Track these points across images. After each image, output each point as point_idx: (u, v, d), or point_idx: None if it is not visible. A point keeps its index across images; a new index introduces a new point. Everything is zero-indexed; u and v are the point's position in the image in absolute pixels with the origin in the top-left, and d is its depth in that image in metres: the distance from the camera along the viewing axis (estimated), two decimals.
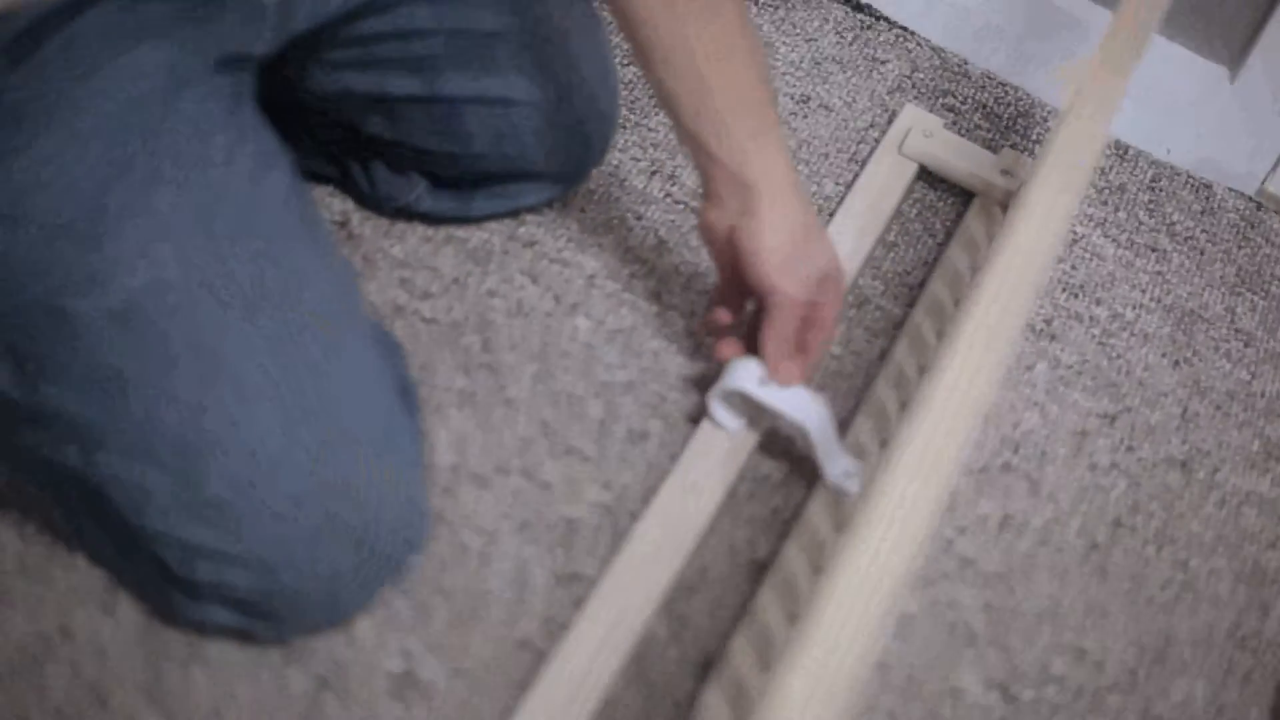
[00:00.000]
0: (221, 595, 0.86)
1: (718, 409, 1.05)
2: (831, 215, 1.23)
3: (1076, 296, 1.24)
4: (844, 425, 1.10)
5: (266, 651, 0.93)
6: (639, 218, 1.21)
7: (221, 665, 0.92)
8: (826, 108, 1.33)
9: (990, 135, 1.33)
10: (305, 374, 0.86)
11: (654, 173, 1.24)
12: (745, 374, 1.01)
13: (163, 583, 0.87)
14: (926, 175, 1.28)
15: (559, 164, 1.13)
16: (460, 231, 1.16)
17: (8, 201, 0.82)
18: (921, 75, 1.37)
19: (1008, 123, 1.35)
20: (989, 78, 1.39)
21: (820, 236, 1.00)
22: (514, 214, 1.18)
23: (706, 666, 0.97)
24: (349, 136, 1.11)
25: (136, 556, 0.87)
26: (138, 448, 0.82)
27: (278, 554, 0.84)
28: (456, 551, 1.00)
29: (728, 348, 1.03)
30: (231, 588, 0.85)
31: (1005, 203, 1.24)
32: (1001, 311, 0.90)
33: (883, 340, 1.17)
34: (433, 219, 1.16)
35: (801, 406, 1.01)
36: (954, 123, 1.34)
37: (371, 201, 1.16)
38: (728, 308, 1.04)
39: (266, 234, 0.88)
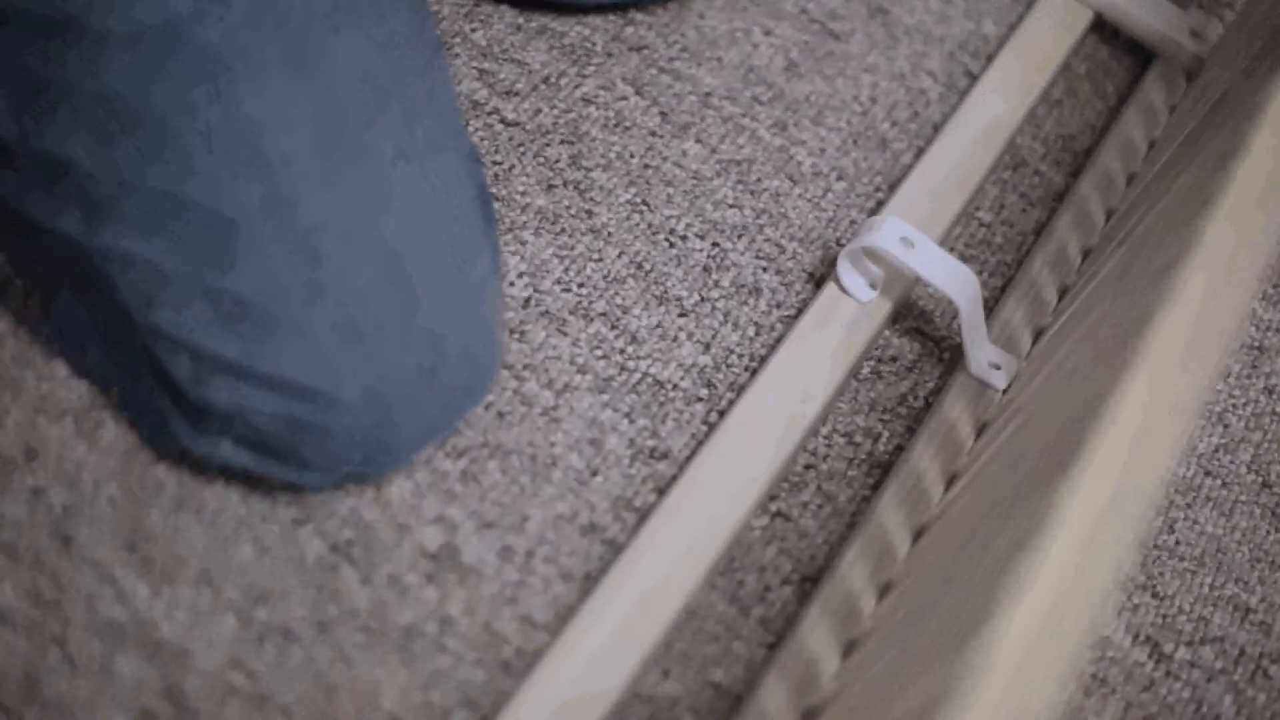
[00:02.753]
0: (237, 426, 0.68)
1: (847, 270, 0.87)
2: (989, 60, 1.04)
3: None
4: (989, 307, 0.92)
5: (276, 506, 0.75)
6: (768, 33, 1.01)
7: (219, 516, 0.75)
8: None
9: None
10: (365, 157, 0.67)
11: None
12: (887, 231, 0.84)
13: (166, 405, 0.70)
14: (1099, 28, 1.09)
15: None
16: (556, 23, 0.97)
17: None
18: None
19: None
20: None
21: None
22: (621, 8, 0.98)
23: (809, 578, 0.80)
24: None
25: (135, 369, 0.70)
26: (154, 220, 0.64)
27: (317, 377, 0.66)
28: (519, 405, 0.82)
29: None
30: (251, 415, 0.67)
31: (1191, 69, 1.06)
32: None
33: (1039, 211, 0.98)
34: (526, 3, 0.97)
35: (952, 277, 0.83)
36: None
37: None
38: None
39: None
